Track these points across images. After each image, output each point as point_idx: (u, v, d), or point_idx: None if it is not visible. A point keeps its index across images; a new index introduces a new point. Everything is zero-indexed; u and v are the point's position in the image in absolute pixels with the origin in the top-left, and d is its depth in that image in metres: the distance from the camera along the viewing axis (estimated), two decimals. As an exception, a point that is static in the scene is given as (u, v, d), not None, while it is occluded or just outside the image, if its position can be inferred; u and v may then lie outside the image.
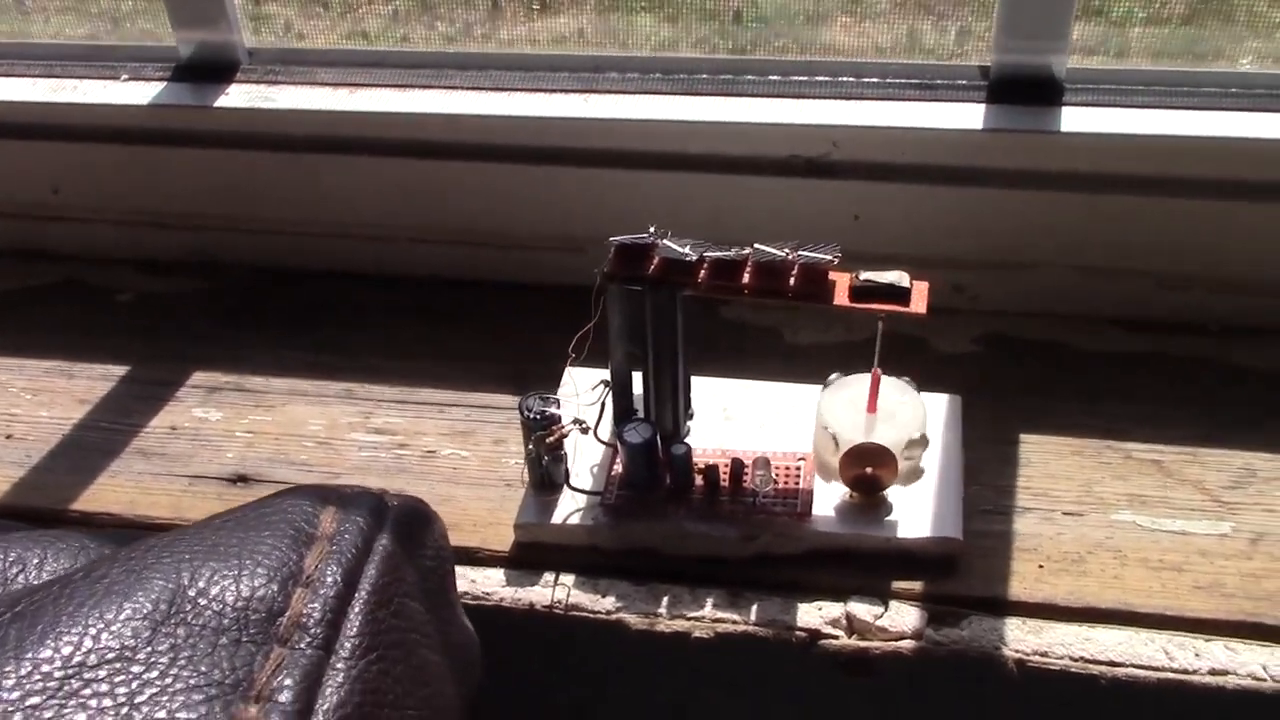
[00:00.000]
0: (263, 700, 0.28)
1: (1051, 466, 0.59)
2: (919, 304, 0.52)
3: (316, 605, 0.31)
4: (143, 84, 0.71)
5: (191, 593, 0.30)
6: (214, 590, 0.30)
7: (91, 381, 0.69)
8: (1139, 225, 0.64)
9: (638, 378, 0.57)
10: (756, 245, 0.53)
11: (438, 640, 0.34)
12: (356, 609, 0.31)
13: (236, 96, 0.69)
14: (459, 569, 0.55)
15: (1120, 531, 0.56)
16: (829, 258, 0.52)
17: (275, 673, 0.29)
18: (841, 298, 0.52)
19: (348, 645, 0.30)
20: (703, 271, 0.53)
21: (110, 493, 0.60)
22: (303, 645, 0.30)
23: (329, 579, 0.31)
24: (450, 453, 0.62)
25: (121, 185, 0.74)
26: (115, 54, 0.73)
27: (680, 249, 0.53)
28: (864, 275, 0.52)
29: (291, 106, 0.68)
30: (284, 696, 0.29)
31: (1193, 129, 0.61)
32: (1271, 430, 0.60)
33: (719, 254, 0.53)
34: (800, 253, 0.52)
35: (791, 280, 0.52)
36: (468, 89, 0.68)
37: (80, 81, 0.72)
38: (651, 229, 0.54)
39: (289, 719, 0.28)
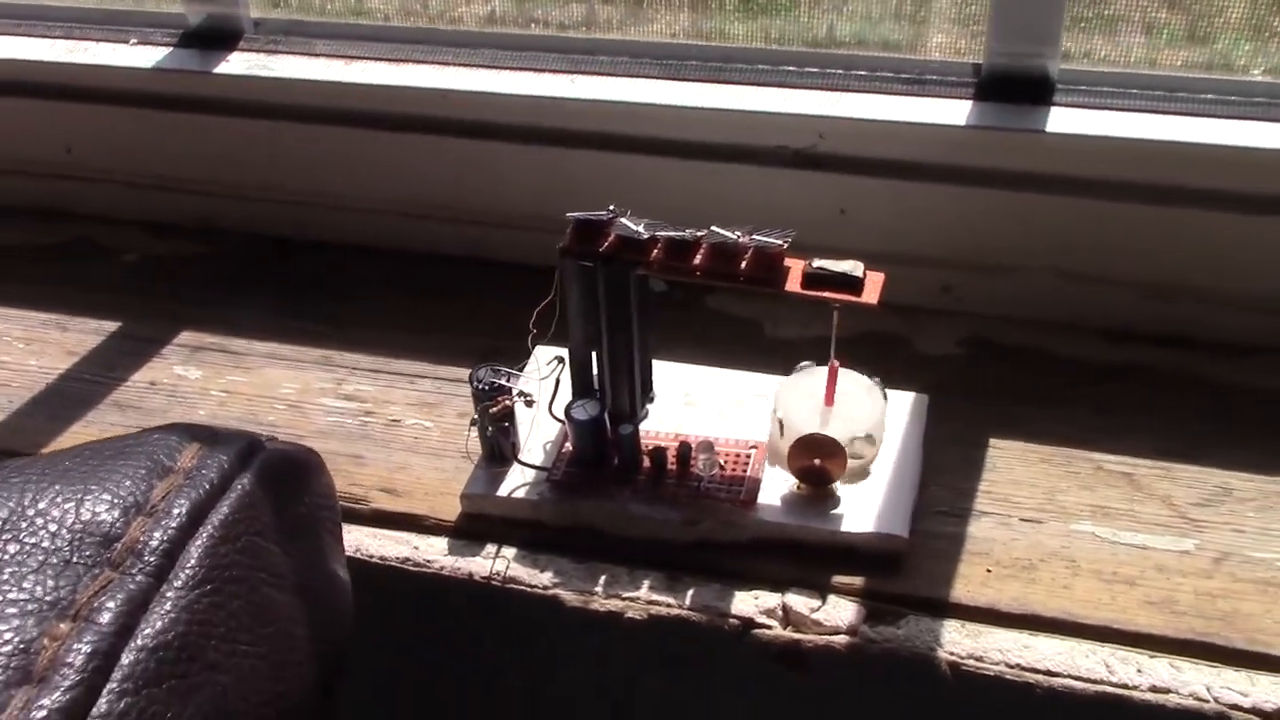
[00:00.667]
0: (80, 619, 0.29)
1: (1017, 472, 0.58)
2: (871, 295, 0.51)
3: (156, 534, 0.31)
4: (150, 49, 0.73)
5: (30, 512, 0.30)
6: (54, 512, 0.31)
7: (83, 335, 0.70)
8: (1126, 233, 0.63)
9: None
10: (713, 228, 0.52)
11: (293, 583, 0.34)
12: (199, 542, 0.31)
13: (236, 64, 0.71)
14: (403, 534, 0.56)
15: (1077, 541, 0.54)
16: (780, 242, 0.51)
17: (99, 594, 0.29)
18: (793, 284, 0.51)
19: (182, 576, 0.31)
20: (655, 250, 0.53)
21: (82, 440, 0.62)
22: (134, 572, 0.30)
23: (174, 511, 0.32)
24: (414, 423, 0.62)
25: (130, 148, 0.76)
26: (131, 19, 0.75)
27: (635, 227, 0.53)
28: (817, 263, 0.51)
29: (289, 76, 0.69)
30: (103, 618, 0.29)
31: (1185, 135, 0.60)
32: (1252, 450, 0.58)
33: (672, 234, 0.52)
34: (754, 237, 0.52)
35: (743, 264, 0.52)
36: (460, 65, 0.68)
37: (93, 44, 0.74)
38: (611, 207, 0.54)
39: (104, 639, 0.28)
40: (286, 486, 0.35)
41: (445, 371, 0.65)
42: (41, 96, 0.75)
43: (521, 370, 0.59)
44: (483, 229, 0.72)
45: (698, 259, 0.52)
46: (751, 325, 0.68)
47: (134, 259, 0.77)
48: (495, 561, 0.55)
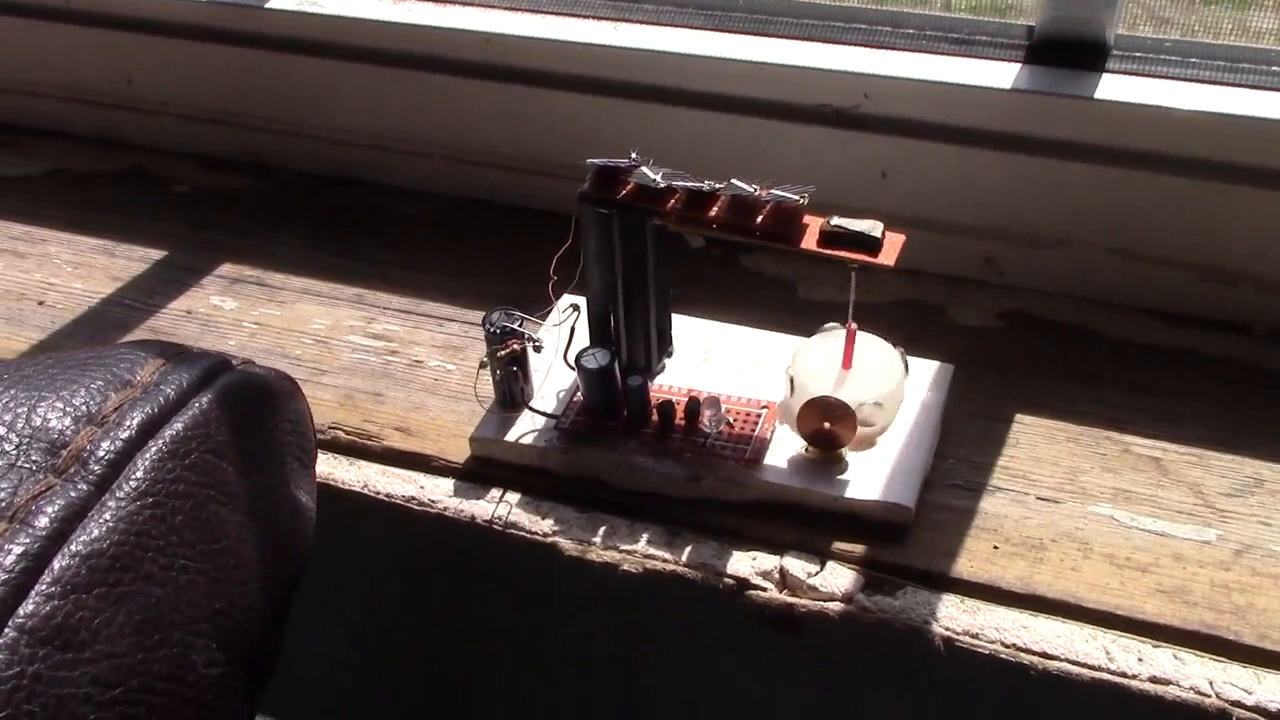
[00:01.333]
0: (16, 521, 0.29)
1: (1040, 450, 0.56)
2: (888, 256, 0.50)
3: (104, 445, 0.31)
4: (205, -20, 0.74)
5: (-19, 415, 0.31)
6: (6, 416, 0.31)
7: (130, 262, 0.72)
8: (1183, 211, 0.60)
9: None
10: (732, 180, 0.51)
11: (246, 504, 0.34)
12: (147, 456, 0.32)
13: (288, -1, 0.71)
14: (411, 473, 0.57)
15: (1093, 524, 0.52)
16: (797, 198, 0.50)
17: (38, 499, 0.30)
18: (809, 241, 0.50)
19: (126, 487, 0.31)
20: (673, 200, 0.52)
21: (115, 364, 0.63)
22: (77, 480, 0.31)
23: (126, 423, 0.32)
24: (437, 364, 0.63)
25: (186, 81, 0.77)
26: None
27: (653, 176, 0.52)
28: (835, 221, 0.50)
29: (336, 13, 0.69)
30: (39, 521, 0.29)
31: (1248, 109, 0.57)
32: (1296, 443, 0.56)
33: (690, 184, 0.51)
34: (773, 191, 0.51)
35: (759, 218, 0.51)
36: (504, 9, 0.68)
37: (153, -26, 0.75)
38: (634, 155, 0.53)
39: (36, 542, 0.29)
40: (249, 408, 0.35)
41: (474, 316, 0.65)
42: (105, 26, 0.76)
43: (545, 318, 0.59)
44: (522, 176, 0.71)
45: (714, 211, 0.51)
46: (786, 286, 0.67)
47: (184, 190, 0.78)
48: (498, 506, 0.55)
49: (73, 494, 0.30)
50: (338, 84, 0.73)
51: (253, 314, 0.67)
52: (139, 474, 0.31)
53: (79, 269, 0.71)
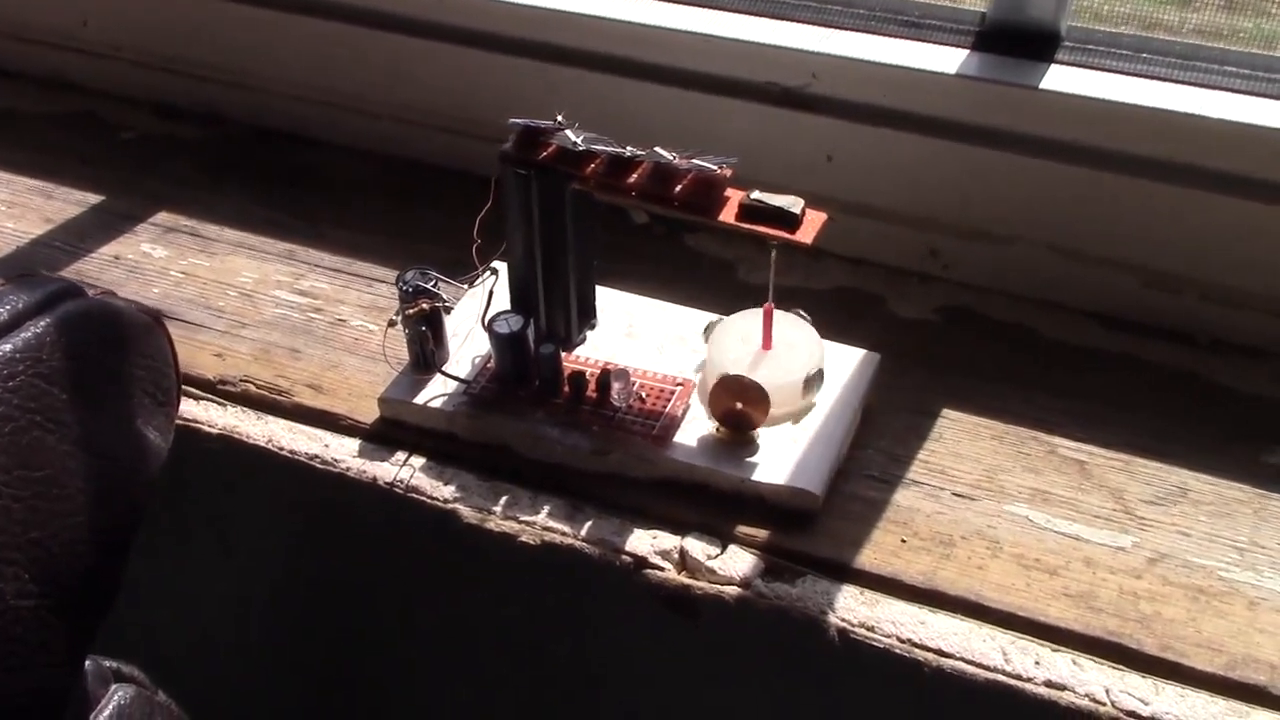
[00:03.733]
0: None
1: (962, 446, 0.55)
2: (806, 234, 0.48)
3: (-80, 362, 0.30)
4: (161, -76, 0.73)
5: None
6: None
7: (66, 205, 0.70)
8: (1129, 213, 0.59)
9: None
10: (655, 149, 0.50)
11: (78, 434, 0.32)
12: (-33, 376, 0.30)
13: (240, -54, 0.70)
14: (318, 431, 0.56)
15: (1006, 523, 0.51)
16: (717, 169, 0.49)
17: None
18: (728, 215, 0.49)
19: (-61, 406, 0.30)
20: (593, 165, 0.50)
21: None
22: (-113, 396, 0.29)
23: (-53, 341, 0.31)
24: (359, 324, 0.61)
25: (142, 26, 0.76)
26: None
27: (574, 139, 0.50)
28: (755, 195, 0.49)
29: (289, -38, 0.68)
30: None
31: (1201, 109, 0.55)
32: (1229, 455, 0.54)
33: (611, 149, 0.50)
34: (694, 161, 0.49)
35: (678, 188, 0.49)
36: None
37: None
38: (559, 117, 0.52)
39: None
40: (95, 338, 0.34)
41: (403, 278, 0.64)
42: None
43: (474, 282, 0.57)
44: (466, 140, 0.70)
45: (633, 178, 0.50)
46: (727, 267, 0.65)
47: (131, 137, 0.77)
48: (401, 469, 0.53)
49: (-124, 407, 0.29)
50: (288, 37, 0.72)
51: (181, 263, 0.65)
52: (-45, 393, 0.30)
53: (13, 209, 0.70)
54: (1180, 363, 0.59)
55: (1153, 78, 0.56)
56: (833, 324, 0.56)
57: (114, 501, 0.34)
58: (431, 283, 0.53)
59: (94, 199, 0.71)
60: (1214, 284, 0.59)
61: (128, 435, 0.35)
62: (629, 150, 0.50)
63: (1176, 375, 0.59)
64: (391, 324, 0.53)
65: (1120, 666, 0.46)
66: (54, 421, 0.32)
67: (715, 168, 0.49)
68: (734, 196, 0.49)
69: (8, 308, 0.32)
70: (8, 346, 0.32)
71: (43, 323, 0.33)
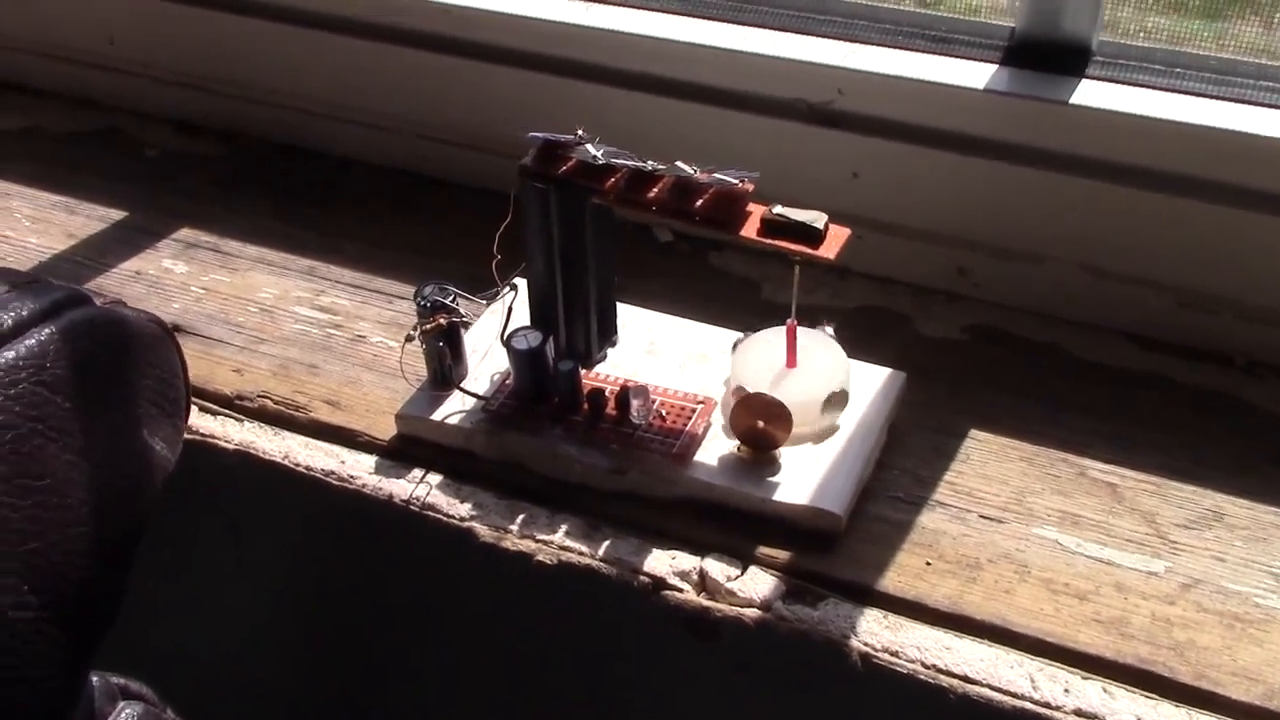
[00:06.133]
0: None
1: (990, 468, 0.53)
2: (830, 249, 0.47)
3: (-82, 367, 0.29)
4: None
5: None
6: None
7: (88, 220, 0.70)
8: (1163, 230, 0.57)
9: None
10: (676, 163, 0.49)
11: (81, 444, 0.32)
12: (-34, 381, 0.30)
13: (262, -39, 0.70)
14: (334, 448, 0.55)
15: (1035, 547, 0.50)
16: (740, 183, 0.48)
17: None
18: (750, 230, 0.48)
19: (-61, 414, 0.29)
20: (613, 179, 0.50)
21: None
22: (-117, 399, 0.29)
23: (-52, 347, 0.30)
24: (379, 340, 0.61)
25: (167, 44, 0.76)
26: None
27: (595, 153, 0.50)
28: (777, 209, 0.48)
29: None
30: None
31: (1236, 124, 0.54)
32: (1265, 478, 0.52)
33: (632, 163, 0.49)
34: (716, 175, 0.48)
35: (700, 202, 0.48)
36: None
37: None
38: (580, 131, 0.51)
39: None
40: (99, 347, 0.34)
41: (423, 294, 0.64)
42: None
43: (493, 298, 0.57)
44: (488, 156, 0.70)
45: (654, 192, 0.49)
46: (751, 285, 0.65)
47: (155, 154, 0.77)
48: (418, 486, 0.53)
49: (-125, 413, 0.28)
50: (308, 54, 0.72)
51: (202, 279, 0.65)
52: (-47, 399, 0.29)
53: (37, 224, 0.70)
54: (1216, 384, 0.58)
55: (1187, 93, 0.55)
56: (859, 342, 0.55)
57: (117, 513, 0.33)
58: (450, 298, 0.53)
59: (117, 215, 0.71)
60: (1251, 304, 0.58)
61: (132, 446, 0.34)
62: (650, 164, 0.49)
63: (1212, 396, 0.57)
64: (409, 339, 0.53)
65: (1153, 695, 0.44)
66: (56, 430, 0.31)
67: (737, 182, 0.48)
68: (756, 211, 0.48)
69: (11, 315, 0.32)
70: (10, 354, 0.31)
71: (46, 330, 0.32)
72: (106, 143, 0.78)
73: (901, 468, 0.53)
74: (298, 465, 0.54)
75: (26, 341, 0.32)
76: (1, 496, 0.30)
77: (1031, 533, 0.50)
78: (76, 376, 0.32)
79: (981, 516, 0.51)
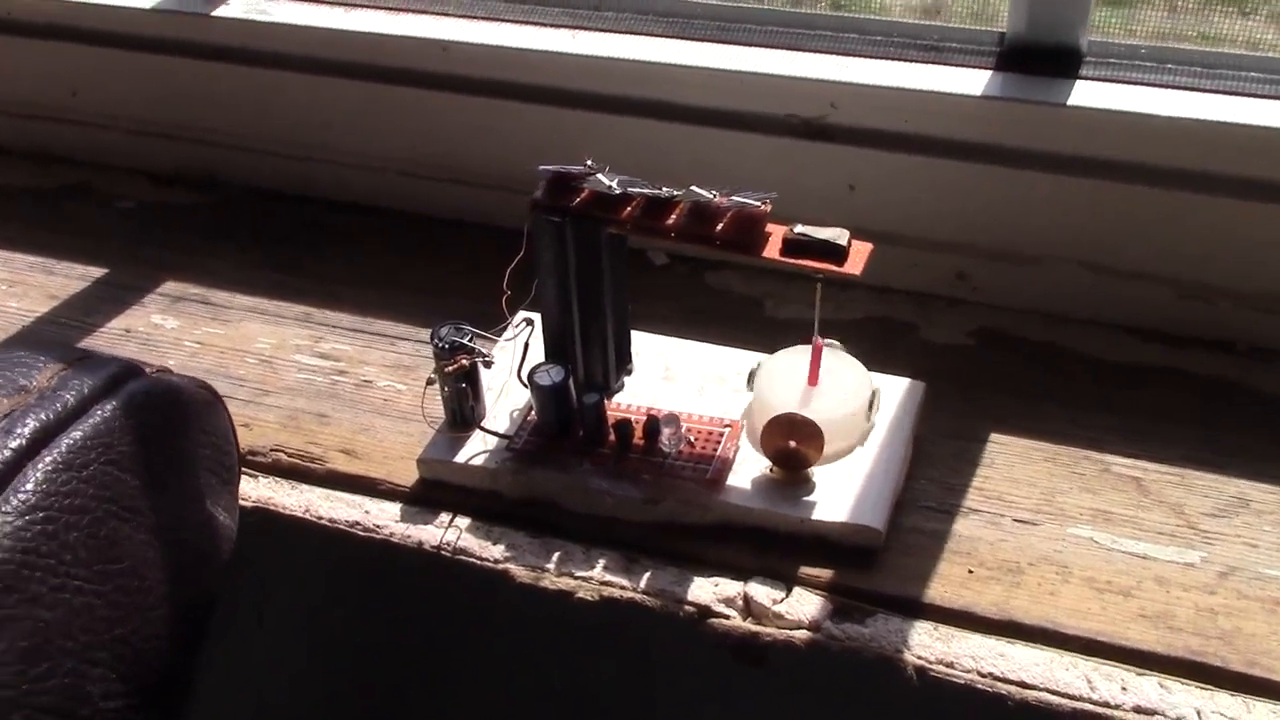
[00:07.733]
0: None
1: (1016, 471, 0.54)
2: (855, 265, 0.47)
3: (-10, 455, 0.28)
4: (149, -12, 0.71)
5: None
6: (-116, 422, 0.28)
7: (68, 280, 0.69)
8: (1160, 224, 0.58)
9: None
10: (692, 188, 0.49)
11: (152, 521, 0.31)
12: (40, 466, 0.29)
13: (235, 6, 0.68)
14: (356, 497, 0.54)
15: (1072, 546, 0.50)
16: (759, 204, 0.48)
17: (-89, 513, 0.27)
18: (772, 250, 0.48)
19: (14, 500, 0.28)
20: (629, 208, 0.49)
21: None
22: (-43, 492, 0.28)
23: (17, 431, 0.29)
24: (386, 384, 0.60)
25: (133, 94, 0.74)
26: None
27: (609, 183, 0.49)
28: (799, 228, 0.48)
29: (286, 21, 0.67)
30: (-90, 538, 0.26)
31: (1226, 115, 0.55)
32: (1280, 462, 0.53)
33: (647, 191, 0.49)
34: (734, 198, 0.48)
35: (720, 226, 0.48)
36: (460, 17, 0.66)
37: (95, -18, 0.72)
38: (589, 162, 0.51)
39: (-95, 561, 0.26)
40: (159, 418, 0.33)
41: (427, 334, 0.62)
42: (49, 37, 0.74)
43: (501, 334, 0.56)
44: (479, 190, 0.69)
45: (672, 219, 0.49)
46: (752, 303, 0.65)
47: (130, 206, 0.75)
48: (447, 531, 0.52)
49: (-50, 508, 0.27)
50: (289, 97, 0.70)
51: (195, 333, 0.64)
52: (29, 486, 0.28)
53: (14, 287, 0.68)
54: (1223, 371, 0.59)
55: (1177, 87, 0.56)
56: (866, 354, 0.55)
57: (189, 589, 0.32)
58: (467, 337, 0.52)
59: (96, 272, 0.69)
60: (1250, 291, 0.59)
61: (198, 518, 0.34)
62: (665, 191, 0.49)
63: (1220, 384, 0.58)
64: (430, 383, 0.52)
65: (1208, 686, 0.45)
66: (128, 509, 0.30)
67: (757, 204, 0.48)
68: (776, 232, 0.48)
69: (74, 394, 0.31)
70: (77, 434, 0.30)
71: (108, 406, 0.31)
72: (77, 198, 0.76)
73: (929, 477, 0.53)
74: (320, 518, 0.53)
75: (90, 420, 0.31)
76: (84, 584, 0.28)
77: (1067, 533, 0.51)
78: (142, 451, 0.31)
79: (1015, 520, 0.51)
